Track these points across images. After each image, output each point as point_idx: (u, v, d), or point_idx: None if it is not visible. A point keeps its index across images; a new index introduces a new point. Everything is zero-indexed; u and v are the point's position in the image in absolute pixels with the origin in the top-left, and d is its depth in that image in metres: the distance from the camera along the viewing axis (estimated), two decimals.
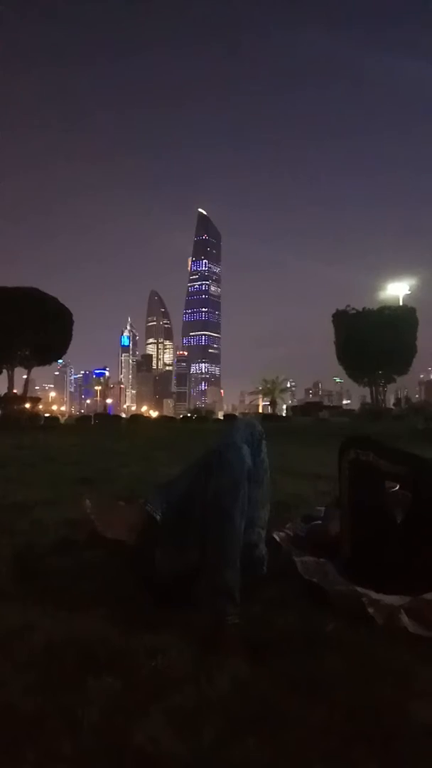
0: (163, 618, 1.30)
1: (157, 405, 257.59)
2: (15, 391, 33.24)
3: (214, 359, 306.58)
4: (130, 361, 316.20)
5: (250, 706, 0.94)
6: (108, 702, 0.95)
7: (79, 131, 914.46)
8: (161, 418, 52.57)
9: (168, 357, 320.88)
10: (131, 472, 4.43)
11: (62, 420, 39.85)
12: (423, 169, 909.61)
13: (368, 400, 43.81)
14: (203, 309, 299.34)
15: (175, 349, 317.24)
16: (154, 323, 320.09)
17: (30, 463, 5.26)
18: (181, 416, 61.35)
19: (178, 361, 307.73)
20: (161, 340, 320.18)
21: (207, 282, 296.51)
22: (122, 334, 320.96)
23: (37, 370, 34.07)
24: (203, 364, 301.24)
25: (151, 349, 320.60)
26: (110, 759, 0.81)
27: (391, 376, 39.38)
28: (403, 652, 1.15)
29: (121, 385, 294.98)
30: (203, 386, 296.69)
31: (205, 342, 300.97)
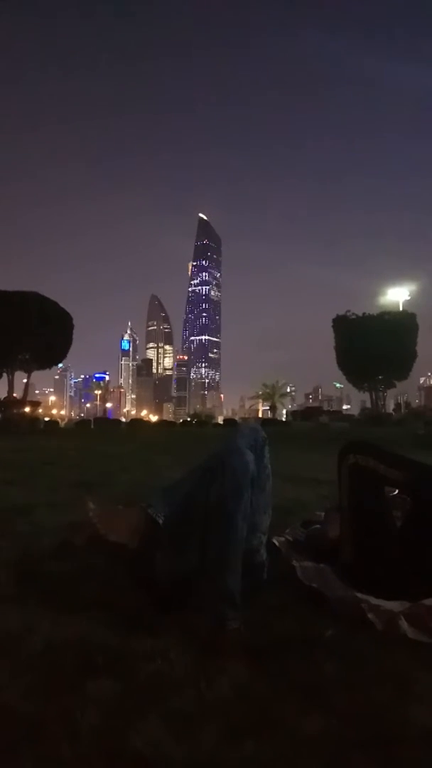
0: (164, 622, 1.30)
1: (157, 409, 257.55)
2: (15, 395, 33.18)
3: (214, 364, 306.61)
4: (130, 365, 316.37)
5: (250, 711, 0.94)
6: (107, 705, 0.95)
7: (79, 134, 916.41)
8: (161, 423, 52.50)
9: (168, 361, 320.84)
10: (131, 477, 4.43)
11: (62, 424, 39.77)
12: (424, 174, 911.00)
13: (368, 405, 43.74)
14: (203, 313, 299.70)
15: (175, 353, 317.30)
16: (155, 327, 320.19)
17: (30, 467, 5.27)
18: (181, 421, 61.25)
19: (178, 365, 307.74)
20: (161, 345, 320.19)
21: (207, 286, 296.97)
22: (122, 339, 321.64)
23: (37, 374, 34.05)
24: (203, 369, 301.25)
25: (151, 354, 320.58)
26: (109, 762, 0.81)
27: (391, 381, 39.39)
28: (403, 658, 1.15)
29: (121, 390, 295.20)
30: (203, 391, 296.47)
31: (205, 346, 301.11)
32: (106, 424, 37.62)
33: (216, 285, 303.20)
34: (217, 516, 1.36)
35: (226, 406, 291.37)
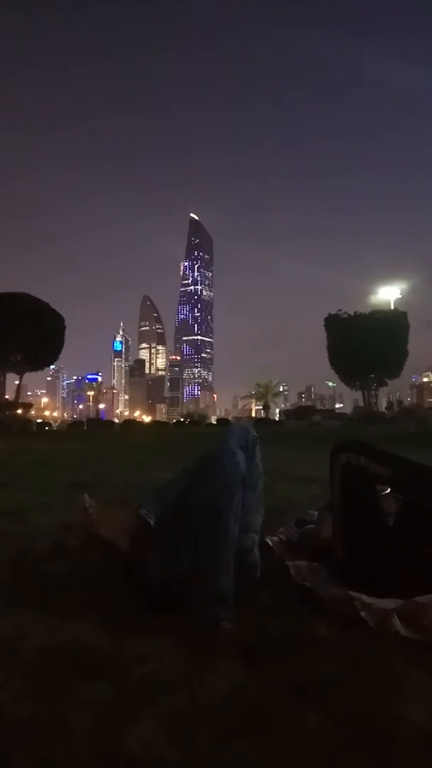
0: (156, 623, 1.30)
1: (150, 410, 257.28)
2: (7, 396, 33.06)
3: (206, 364, 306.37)
4: (123, 366, 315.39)
5: (243, 711, 0.94)
6: (101, 708, 0.94)
7: (70, 136, 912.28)
8: (154, 423, 52.47)
9: (161, 362, 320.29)
10: (124, 478, 4.42)
11: (55, 425, 39.65)
12: (416, 173, 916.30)
13: (361, 403, 44.06)
14: (196, 313, 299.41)
15: (168, 353, 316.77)
16: (147, 328, 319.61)
17: (22, 469, 5.24)
18: (174, 421, 61.24)
19: (170, 365, 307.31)
20: (154, 345, 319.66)
21: (199, 286, 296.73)
22: (114, 339, 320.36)
23: (29, 376, 33.99)
24: (196, 369, 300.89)
25: (143, 354, 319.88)
26: (103, 765, 0.81)
27: (383, 380, 39.60)
28: (396, 656, 1.16)
29: (114, 390, 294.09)
30: (196, 391, 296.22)
31: (197, 346, 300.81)
32: (99, 425, 37.56)
33: (208, 285, 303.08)
34: (208, 516, 1.35)
35: (219, 406, 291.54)
